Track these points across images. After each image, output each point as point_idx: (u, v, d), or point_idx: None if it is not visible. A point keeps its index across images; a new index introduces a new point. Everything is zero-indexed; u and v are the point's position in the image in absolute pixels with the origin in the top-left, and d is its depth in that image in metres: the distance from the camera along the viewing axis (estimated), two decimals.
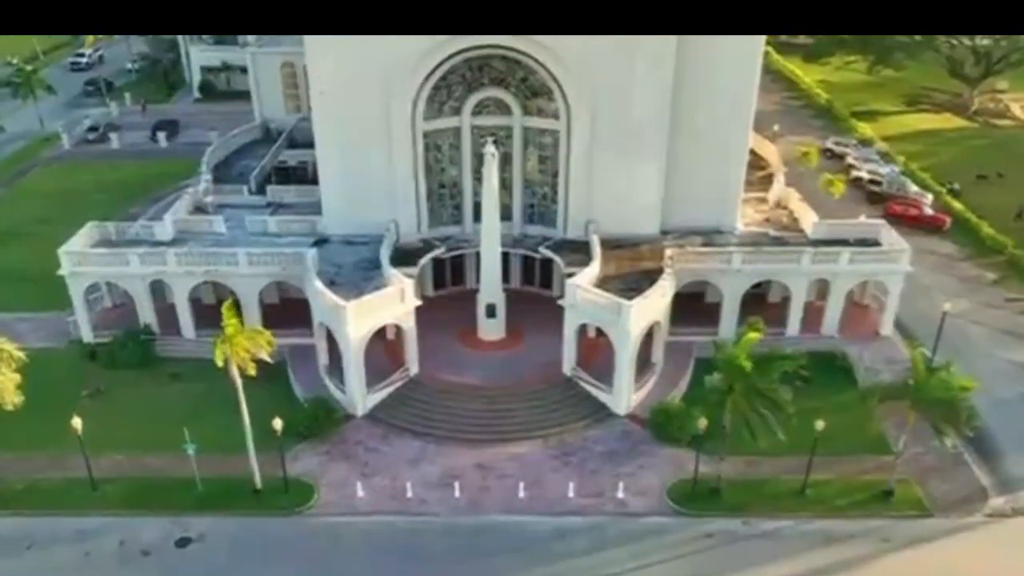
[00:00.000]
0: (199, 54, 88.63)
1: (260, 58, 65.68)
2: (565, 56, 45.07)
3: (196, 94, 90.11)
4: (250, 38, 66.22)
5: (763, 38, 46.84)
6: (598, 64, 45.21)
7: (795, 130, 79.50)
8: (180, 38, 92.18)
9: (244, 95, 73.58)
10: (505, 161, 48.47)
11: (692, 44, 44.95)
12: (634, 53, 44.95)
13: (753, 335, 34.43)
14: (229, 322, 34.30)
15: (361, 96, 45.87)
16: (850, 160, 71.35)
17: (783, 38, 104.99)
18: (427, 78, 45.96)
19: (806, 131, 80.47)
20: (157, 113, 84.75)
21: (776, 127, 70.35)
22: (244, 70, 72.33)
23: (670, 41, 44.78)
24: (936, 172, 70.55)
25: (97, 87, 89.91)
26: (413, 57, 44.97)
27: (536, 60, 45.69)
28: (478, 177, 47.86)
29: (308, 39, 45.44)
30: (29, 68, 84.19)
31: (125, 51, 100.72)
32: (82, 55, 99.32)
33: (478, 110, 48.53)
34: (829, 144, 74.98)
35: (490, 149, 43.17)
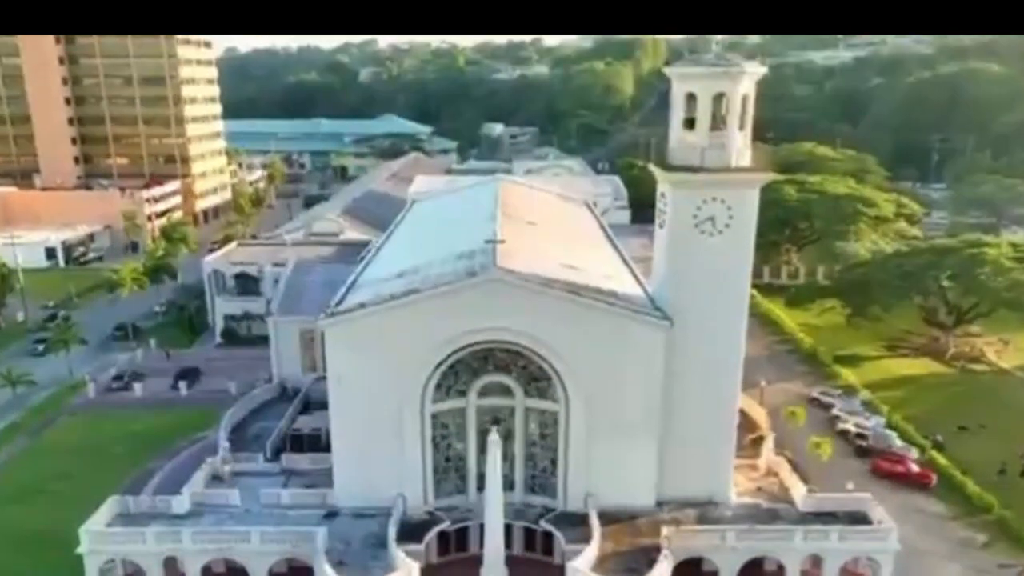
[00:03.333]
0: (223, 303, 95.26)
1: (281, 325, 71.27)
2: (562, 350, 49.89)
3: (218, 339, 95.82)
4: (274, 308, 72.06)
5: (744, 330, 51.50)
6: (592, 358, 49.93)
7: (782, 376, 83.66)
8: (208, 289, 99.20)
9: (264, 340, 78.18)
10: (507, 436, 51.92)
11: (681, 331, 49.66)
12: (625, 349, 49.89)
13: None
14: None
15: (375, 383, 50.23)
16: (836, 412, 74.79)
17: (766, 281, 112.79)
18: (436, 367, 50.58)
19: (792, 377, 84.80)
20: (180, 359, 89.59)
21: (764, 382, 74.45)
22: (264, 317, 77.45)
23: (659, 338, 49.76)
24: (919, 422, 73.52)
25: (125, 332, 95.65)
26: (425, 352, 49.84)
27: (535, 352, 50.49)
28: (482, 450, 51.13)
29: (329, 339, 50.54)
30: (63, 314, 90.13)
31: (154, 297, 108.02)
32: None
33: (483, 392, 52.66)
34: (815, 394, 79.00)
35: (493, 437, 46.58)
